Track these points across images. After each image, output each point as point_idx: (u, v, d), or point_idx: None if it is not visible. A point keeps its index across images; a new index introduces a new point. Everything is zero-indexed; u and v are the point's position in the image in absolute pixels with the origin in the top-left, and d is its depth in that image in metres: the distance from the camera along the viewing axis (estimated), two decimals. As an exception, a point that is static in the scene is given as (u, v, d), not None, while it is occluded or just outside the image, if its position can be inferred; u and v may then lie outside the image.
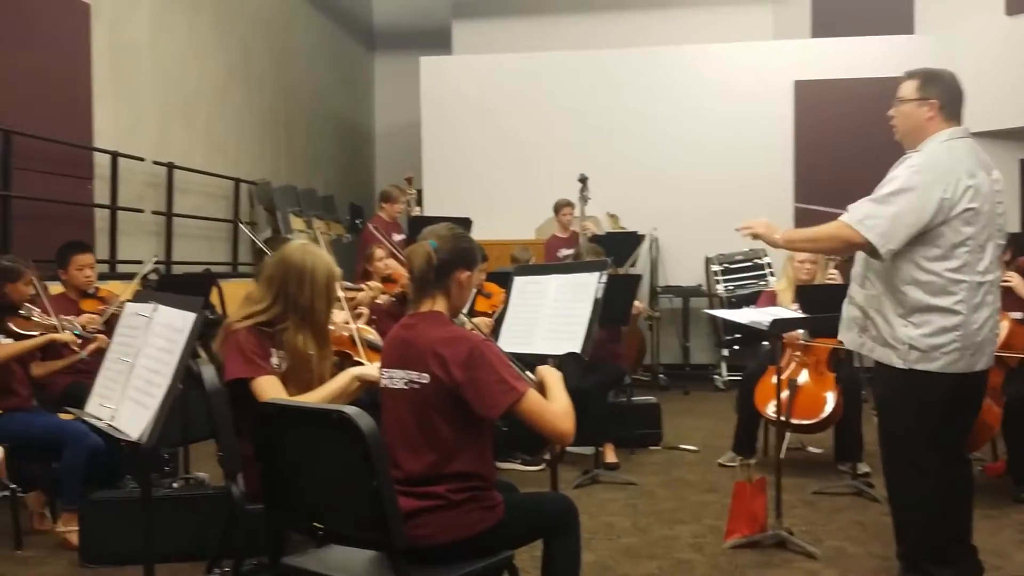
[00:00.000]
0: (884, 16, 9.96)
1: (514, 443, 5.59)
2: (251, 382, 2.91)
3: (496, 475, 2.65)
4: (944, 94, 3.21)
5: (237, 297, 4.33)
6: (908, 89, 3.26)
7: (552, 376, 2.66)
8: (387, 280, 5.99)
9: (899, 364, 3.17)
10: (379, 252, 6.31)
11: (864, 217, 3.11)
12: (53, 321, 4.49)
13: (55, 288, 5.13)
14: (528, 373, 2.65)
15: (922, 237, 3.10)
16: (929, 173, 3.10)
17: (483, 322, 5.11)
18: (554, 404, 2.54)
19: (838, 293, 3.53)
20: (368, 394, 3.06)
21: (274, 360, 2.99)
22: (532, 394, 2.48)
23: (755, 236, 3.46)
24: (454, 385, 2.44)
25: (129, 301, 3.12)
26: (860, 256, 3.31)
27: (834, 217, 3.27)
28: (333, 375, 3.08)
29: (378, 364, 2.75)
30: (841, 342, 3.49)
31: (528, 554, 3.21)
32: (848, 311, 3.39)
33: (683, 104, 9.54)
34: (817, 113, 9.24)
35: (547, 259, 8.09)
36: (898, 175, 3.15)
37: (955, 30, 8.98)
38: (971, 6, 9.17)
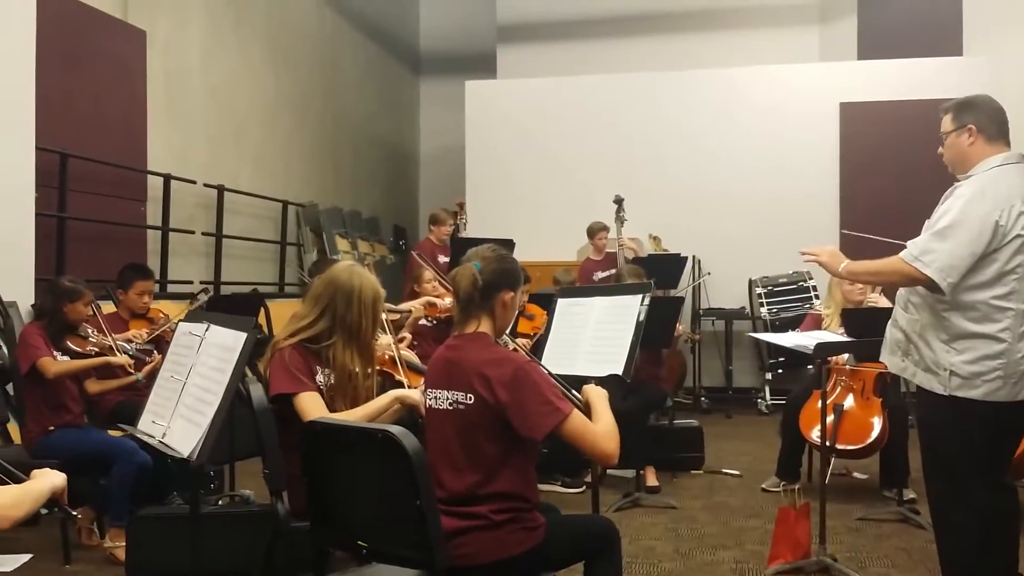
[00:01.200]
0: (932, 37, 9.76)
1: (554, 465, 5.58)
2: (294, 398, 2.96)
3: (539, 497, 2.67)
4: (980, 117, 3.21)
5: (284, 317, 4.41)
6: (945, 124, 3.30)
7: (597, 396, 2.66)
8: (430, 305, 6.04)
9: (940, 390, 3.14)
10: (427, 274, 6.38)
11: (921, 253, 3.11)
12: (108, 341, 4.60)
13: (107, 307, 5.25)
14: (575, 393, 2.66)
15: (972, 264, 3.08)
16: (981, 201, 3.08)
17: (522, 344, 5.13)
18: (599, 424, 2.55)
19: (884, 317, 3.51)
20: (409, 414, 3.11)
21: (319, 377, 3.04)
22: (576, 415, 2.49)
23: (818, 264, 3.51)
24: (499, 406, 2.46)
25: (181, 321, 3.20)
26: None
27: (881, 245, 3.27)
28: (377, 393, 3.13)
29: (419, 388, 2.78)
30: (887, 367, 3.47)
31: (569, 576, 3.21)
32: (891, 334, 3.37)
33: (728, 126, 9.48)
34: (863, 136, 9.13)
35: (582, 282, 8.05)
36: (951, 207, 3.13)
37: (1005, 51, 8.83)
38: (1022, 27, 9.02)
